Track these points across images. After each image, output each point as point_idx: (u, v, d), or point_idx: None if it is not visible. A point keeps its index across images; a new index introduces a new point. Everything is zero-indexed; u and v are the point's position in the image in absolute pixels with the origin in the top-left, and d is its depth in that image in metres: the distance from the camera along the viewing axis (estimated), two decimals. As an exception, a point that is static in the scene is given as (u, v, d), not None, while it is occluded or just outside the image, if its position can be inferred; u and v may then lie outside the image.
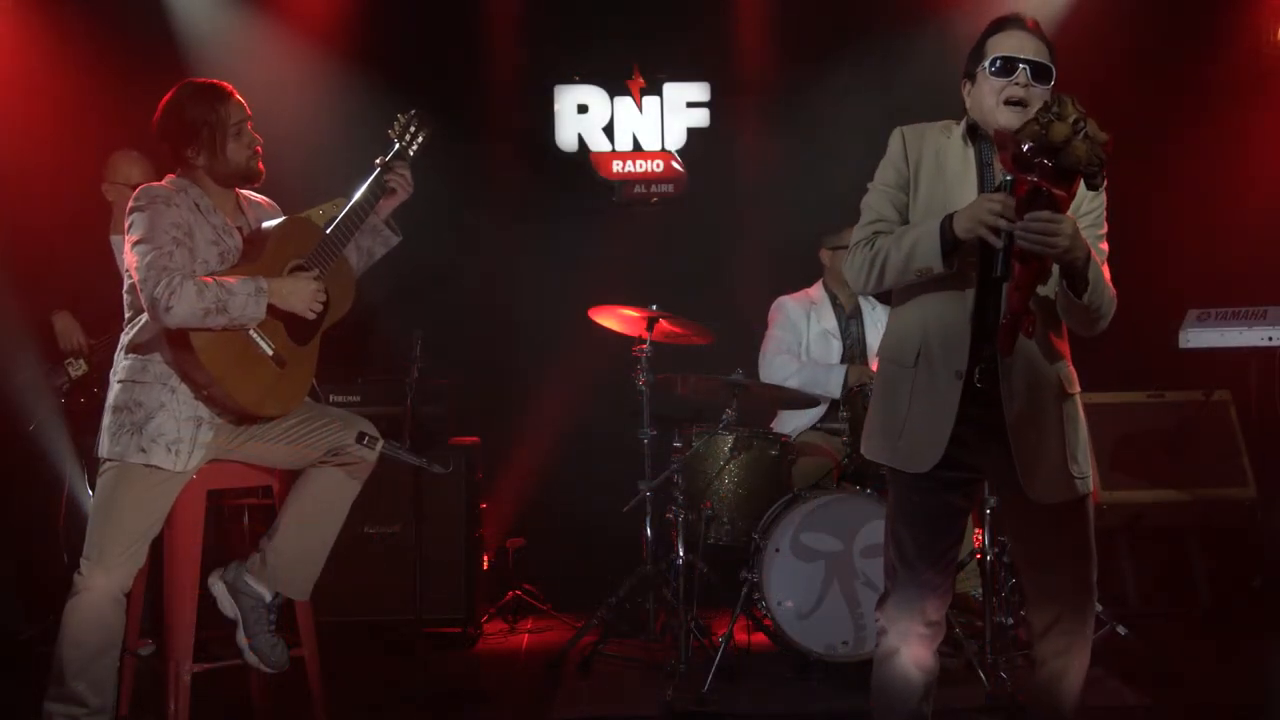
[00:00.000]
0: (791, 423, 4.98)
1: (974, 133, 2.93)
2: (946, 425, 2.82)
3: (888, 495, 3.03)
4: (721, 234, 5.90)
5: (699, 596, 4.47)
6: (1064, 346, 2.94)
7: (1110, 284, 2.90)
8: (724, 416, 4.54)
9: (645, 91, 5.94)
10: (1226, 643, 4.82)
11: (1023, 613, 4.36)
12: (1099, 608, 4.40)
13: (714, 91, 5.93)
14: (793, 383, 4.89)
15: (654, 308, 4.57)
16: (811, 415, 4.96)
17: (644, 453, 4.61)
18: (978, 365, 2.83)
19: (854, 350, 5.07)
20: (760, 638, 4.65)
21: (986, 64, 2.85)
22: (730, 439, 4.54)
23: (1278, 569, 5.08)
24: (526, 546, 5.53)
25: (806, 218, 5.49)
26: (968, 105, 2.94)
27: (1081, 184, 2.71)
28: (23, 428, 4.57)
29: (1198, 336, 5.04)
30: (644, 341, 4.62)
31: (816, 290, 5.17)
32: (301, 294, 3.34)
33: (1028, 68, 2.82)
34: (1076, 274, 2.76)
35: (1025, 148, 2.66)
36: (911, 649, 2.95)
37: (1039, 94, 2.81)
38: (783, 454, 4.62)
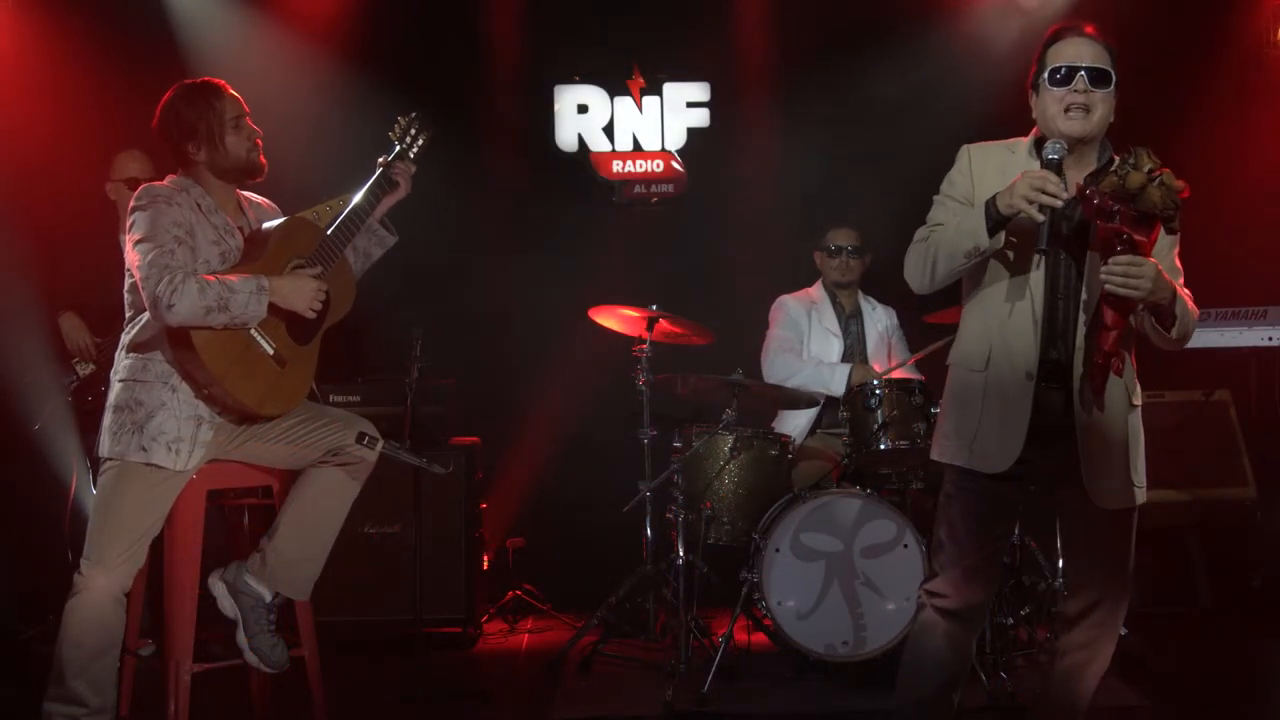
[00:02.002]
0: (792, 422, 4.98)
1: (1040, 144, 2.97)
2: (1021, 427, 2.91)
3: (943, 483, 3.10)
4: (721, 234, 5.90)
5: (699, 596, 4.47)
6: (1132, 359, 3.02)
7: (1190, 303, 2.99)
8: (724, 416, 4.54)
9: (645, 91, 5.94)
10: (1226, 643, 4.83)
11: (1023, 612, 4.39)
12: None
13: (714, 91, 5.93)
14: (795, 381, 4.89)
15: (654, 308, 4.57)
16: (812, 415, 4.96)
17: (644, 453, 4.61)
18: (1046, 369, 2.92)
19: (854, 349, 5.07)
20: (760, 638, 4.66)
21: (1046, 75, 2.93)
22: (730, 439, 4.54)
23: (1278, 569, 5.08)
24: (526, 546, 5.53)
25: (806, 218, 5.50)
26: (1034, 116, 3.01)
27: (1161, 229, 2.84)
28: (28, 428, 4.58)
29: (1198, 336, 5.01)
30: (644, 341, 4.62)
31: (817, 290, 5.17)
32: (302, 292, 3.34)
33: (1085, 75, 2.89)
34: (1164, 313, 2.88)
35: (1106, 196, 2.77)
36: (948, 625, 3.03)
37: (1100, 99, 2.91)
38: (783, 454, 4.62)
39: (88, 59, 5.18)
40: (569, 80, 5.91)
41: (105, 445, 3.28)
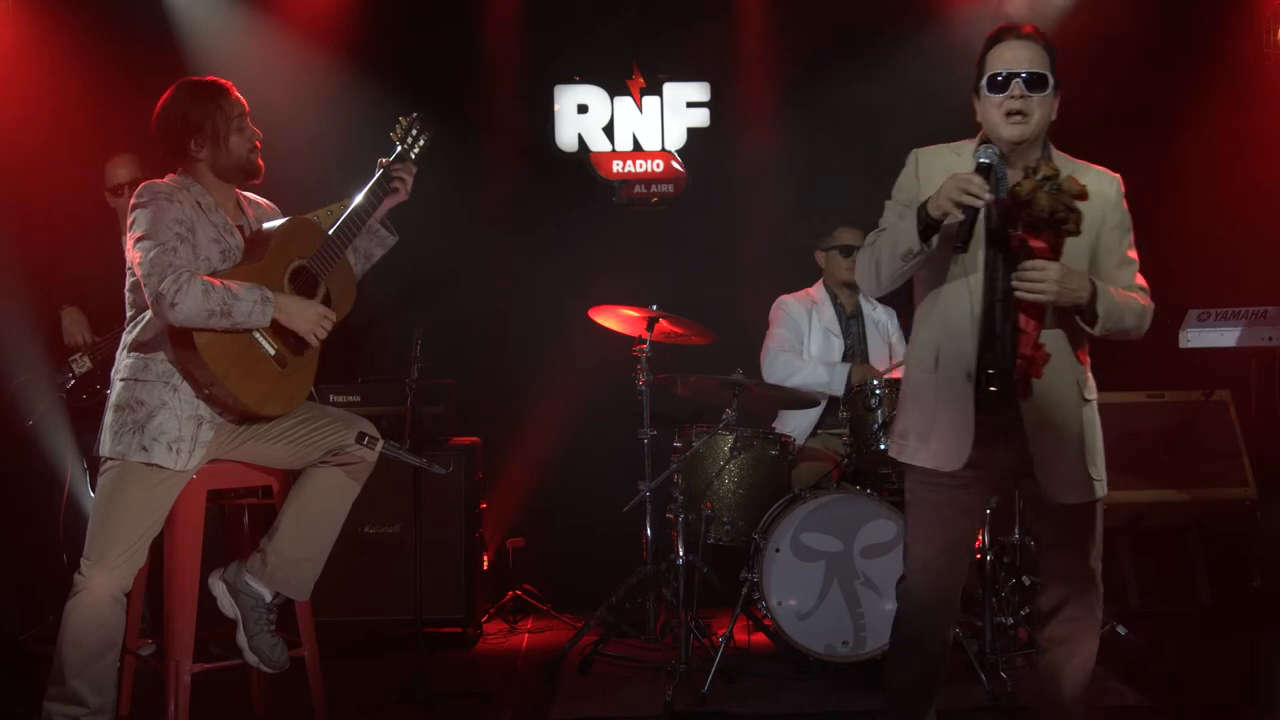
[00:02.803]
0: (792, 423, 4.98)
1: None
2: (968, 426, 2.98)
3: (905, 485, 3.19)
4: (721, 234, 5.89)
5: (699, 596, 4.46)
6: (1084, 355, 3.08)
7: (1138, 294, 3.05)
8: (724, 416, 4.54)
9: (645, 91, 5.93)
10: (1226, 643, 4.83)
11: (1024, 612, 4.38)
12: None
13: (714, 91, 5.93)
14: (795, 381, 4.89)
15: (654, 308, 4.57)
16: (812, 415, 4.96)
17: (644, 453, 4.61)
18: (989, 369, 2.97)
19: (855, 349, 5.07)
20: (760, 638, 4.66)
21: (985, 81, 2.99)
22: (730, 439, 4.54)
23: (1278, 569, 5.08)
24: (526, 546, 5.53)
25: (806, 218, 5.50)
26: (978, 119, 3.07)
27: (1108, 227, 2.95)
28: (23, 427, 4.58)
29: (1198, 336, 5.04)
30: (644, 341, 4.62)
31: (817, 290, 5.17)
32: (307, 316, 3.34)
33: (1022, 80, 2.94)
34: (1082, 311, 2.95)
35: (1005, 203, 2.87)
36: (920, 618, 3.14)
37: (1038, 102, 2.95)
38: (783, 454, 4.62)
39: (87, 58, 5.17)
40: (569, 80, 5.91)
41: (106, 445, 3.28)
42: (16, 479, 4.86)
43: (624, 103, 5.92)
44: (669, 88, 5.93)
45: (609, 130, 5.92)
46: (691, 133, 5.93)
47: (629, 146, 5.93)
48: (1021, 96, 2.94)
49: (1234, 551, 5.27)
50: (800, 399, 4.80)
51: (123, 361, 3.34)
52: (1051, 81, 2.97)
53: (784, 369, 4.96)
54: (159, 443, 3.24)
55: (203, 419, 3.31)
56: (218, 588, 3.45)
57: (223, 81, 3.46)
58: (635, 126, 5.93)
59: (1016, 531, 4.55)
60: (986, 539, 4.20)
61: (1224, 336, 5.00)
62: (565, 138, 5.92)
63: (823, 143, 5.77)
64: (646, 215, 5.95)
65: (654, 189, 5.93)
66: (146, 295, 3.19)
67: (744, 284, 5.67)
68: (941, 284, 3.06)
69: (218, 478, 3.50)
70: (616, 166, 5.92)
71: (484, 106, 5.83)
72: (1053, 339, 2.98)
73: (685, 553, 4.42)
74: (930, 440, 3.05)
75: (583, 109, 5.92)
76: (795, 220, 5.65)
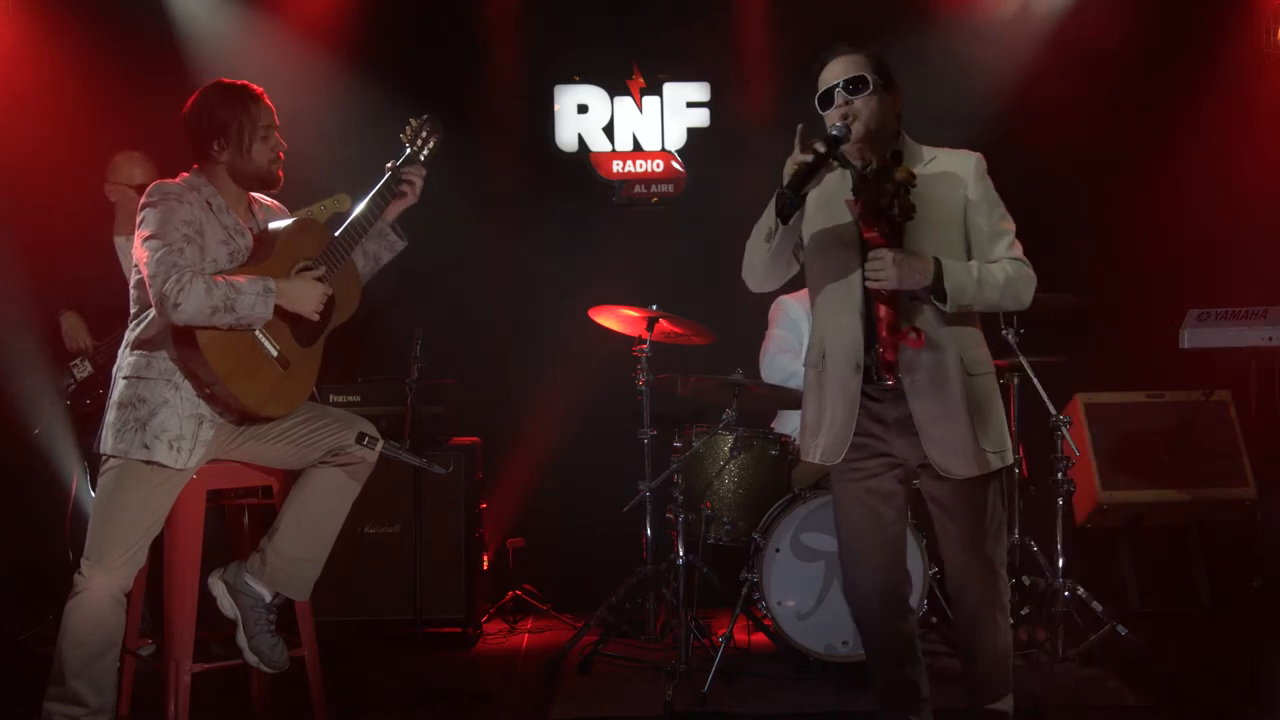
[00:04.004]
0: (791, 422, 4.97)
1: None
2: (851, 416, 3.15)
3: (830, 485, 3.35)
4: (721, 234, 5.85)
5: (699, 596, 4.46)
6: (968, 332, 3.17)
7: (1008, 264, 3.13)
8: (724, 416, 4.54)
9: (645, 91, 5.93)
10: (1226, 643, 4.82)
11: (1024, 612, 4.39)
12: (1098, 607, 4.44)
13: (714, 91, 5.93)
14: (794, 382, 4.89)
15: (654, 308, 4.57)
16: (811, 415, 4.95)
17: (644, 453, 4.61)
18: (873, 359, 3.12)
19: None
20: (760, 638, 4.66)
21: (818, 102, 3.22)
22: (730, 439, 4.54)
23: (1278, 569, 5.07)
24: (526, 546, 5.53)
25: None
26: None
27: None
28: (28, 430, 4.57)
29: (1198, 336, 5.04)
30: (644, 341, 4.62)
31: (816, 290, 5.17)
32: (308, 295, 3.34)
33: (841, 89, 3.15)
34: (935, 293, 3.07)
35: (849, 198, 3.08)
36: (870, 612, 3.28)
37: (862, 102, 3.14)
38: (783, 454, 4.62)
39: (87, 59, 5.18)
40: (569, 80, 5.91)
41: (108, 442, 3.28)
42: (24, 484, 4.86)
43: (624, 103, 5.92)
44: (669, 88, 5.93)
45: (609, 130, 5.92)
46: (691, 133, 5.93)
47: (629, 146, 5.93)
48: (845, 103, 3.12)
49: (1234, 551, 5.27)
50: (800, 399, 4.79)
51: (125, 359, 3.34)
52: (872, 80, 3.14)
53: (782, 370, 4.96)
54: (160, 441, 3.24)
55: (203, 418, 3.31)
56: (218, 588, 3.45)
57: (255, 87, 3.44)
58: (635, 126, 5.93)
59: (1016, 532, 4.56)
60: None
61: (1224, 336, 5.00)
62: (565, 138, 5.92)
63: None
64: (646, 215, 5.95)
65: (654, 189, 5.93)
66: (151, 296, 3.19)
67: (744, 284, 5.65)
68: (825, 283, 3.22)
69: (218, 478, 3.50)
70: (616, 166, 5.92)
71: (484, 106, 5.83)
72: (929, 320, 3.10)
73: (685, 553, 4.42)
74: (819, 436, 3.22)
75: (583, 109, 5.92)
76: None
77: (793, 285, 5.23)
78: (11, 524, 5.02)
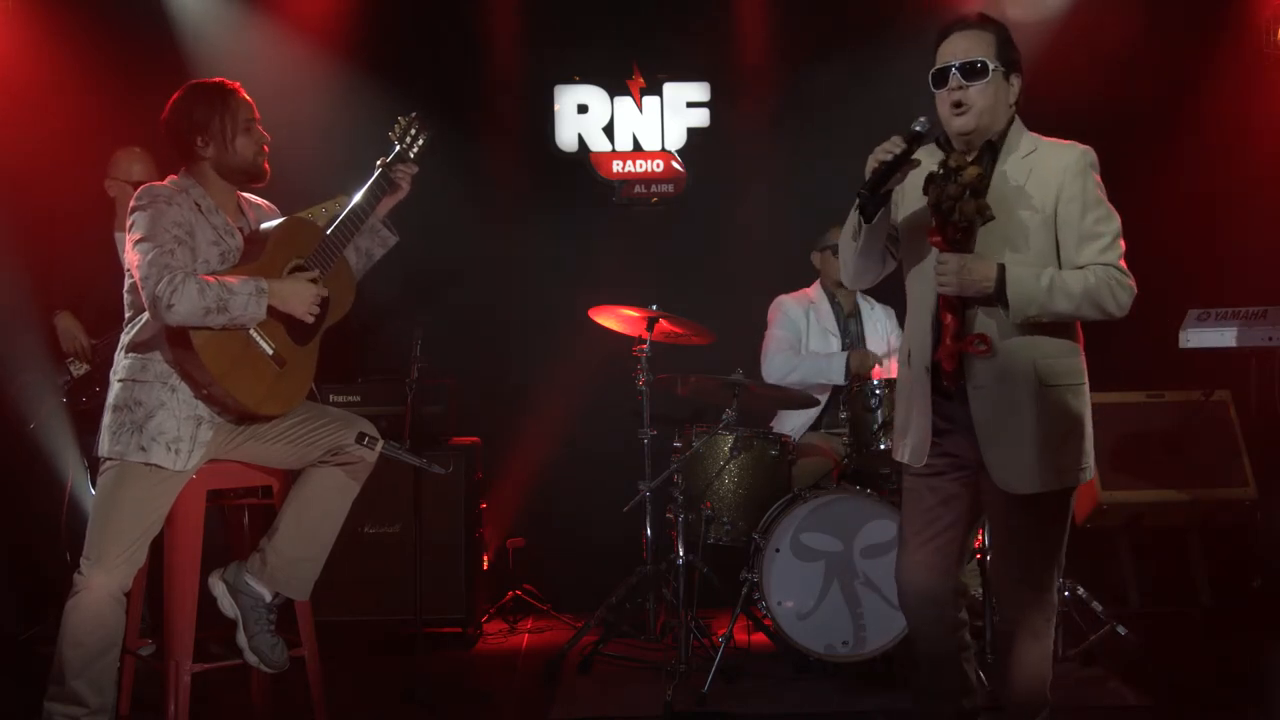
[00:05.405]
0: (791, 422, 4.98)
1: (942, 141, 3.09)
2: (926, 420, 3.03)
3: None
4: (721, 234, 5.89)
5: (699, 596, 4.46)
6: (1050, 341, 2.97)
7: (1095, 272, 2.92)
8: (724, 416, 4.54)
9: (645, 91, 5.93)
10: (1226, 643, 4.82)
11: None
12: (1098, 607, 4.44)
13: (714, 91, 5.93)
14: (795, 377, 4.90)
15: (654, 308, 4.57)
16: (812, 415, 4.96)
17: (644, 453, 4.61)
18: (936, 363, 3.00)
19: (854, 348, 5.07)
20: (760, 638, 4.66)
21: (931, 78, 3.02)
22: (730, 439, 4.54)
23: (1278, 569, 5.08)
24: (526, 546, 5.53)
25: (806, 218, 5.49)
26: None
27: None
28: (23, 428, 4.57)
29: (1198, 336, 5.04)
30: (644, 341, 4.62)
31: (815, 290, 5.18)
32: (301, 296, 3.34)
33: (957, 71, 2.96)
34: (995, 301, 2.91)
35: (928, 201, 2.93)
36: (920, 610, 3.13)
37: (977, 91, 2.96)
38: (783, 454, 4.62)
39: (87, 59, 5.17)
40: (569, 80, 5.91)
41: (105, 445, 3.28)
42: (21, 482, 4.86)
43: (624, 103, 5.92)
44: (669, 88, 5.93)
45: (609, 130, 5.92)
46: (691, 133, 5.93)
47: (629, 146, 5.93)
48: (960, 87, 2.95)
49: (1234, 551, 5.27)
50: (800, 399, 4.80)
51: (121, 362, 3.35)
52: (992, 67, 2.94)
53: (782, 368, 4.96)
54: (158, 443, 3.24)
55: (201, 419, 3.31)
56: (218, 588, 3.45)
57: (231, 83, 3.46)
58: (635, 126, 5.93)
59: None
60: (987, 539, 4.20)
61: (1224, 336, 5.00)
62: (565, 138, 5.92)
63: (822, 142, 5.77)
64: (646, 215, 5.95)
65: (654, 189, 5.93)
66: (144, 298, 3.19)
67: (744, 284, 5.66)
68: (913, 283, 3.11)
69: (218, 478, 3.50)
70: (616, 166, 5.92)
71: (484, 106, 5.84)
72: (1001, 327, 2.92)
73: (685, 553, 4.42)
74: (907, 435, 3.10)
75: (583, 109, 5.92)
76: (795, 220, 5.64)
77: (791, 286, 5.27)
78: (11, 523, 5.02)
